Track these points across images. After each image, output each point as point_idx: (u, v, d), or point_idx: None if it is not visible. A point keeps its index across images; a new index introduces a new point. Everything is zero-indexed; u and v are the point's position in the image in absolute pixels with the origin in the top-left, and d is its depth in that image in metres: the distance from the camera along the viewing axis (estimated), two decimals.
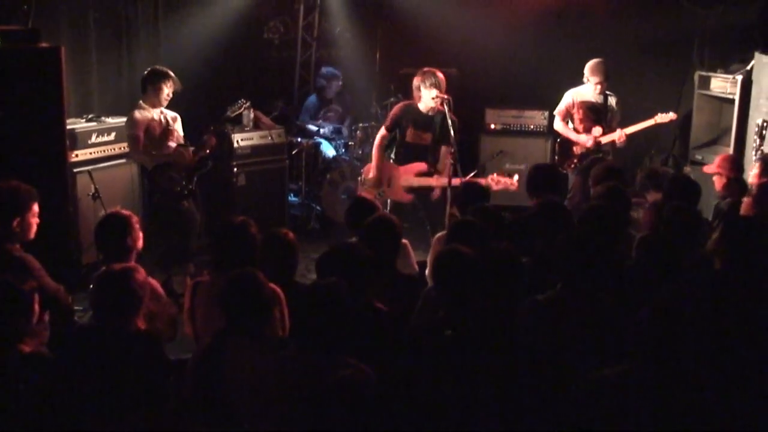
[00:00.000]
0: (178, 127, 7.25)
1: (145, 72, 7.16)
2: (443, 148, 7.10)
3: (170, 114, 7.22)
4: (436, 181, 7.18)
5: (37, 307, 3.80)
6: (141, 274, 4.03)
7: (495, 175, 7.11)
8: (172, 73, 7.08)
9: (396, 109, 7.49)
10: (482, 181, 7.01)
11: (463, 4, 9.68)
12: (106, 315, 3.92)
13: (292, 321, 3.60)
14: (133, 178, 7.57)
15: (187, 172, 6.98)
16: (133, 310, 3.92)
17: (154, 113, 7.07)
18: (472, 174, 7.18)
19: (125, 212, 4.89)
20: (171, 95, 7.10)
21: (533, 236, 4.94)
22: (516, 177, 7.00)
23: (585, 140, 7.94)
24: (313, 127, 9.55)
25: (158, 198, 7.07)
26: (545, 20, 9.76)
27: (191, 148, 7.08)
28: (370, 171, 7.49)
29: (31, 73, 5.92)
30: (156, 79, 7.03)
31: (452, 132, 6.89)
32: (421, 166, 7.33)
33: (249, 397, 3.61)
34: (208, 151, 7.14)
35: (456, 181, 6.83)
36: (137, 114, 7.02)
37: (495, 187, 6.98)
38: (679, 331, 3.22)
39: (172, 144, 7.12)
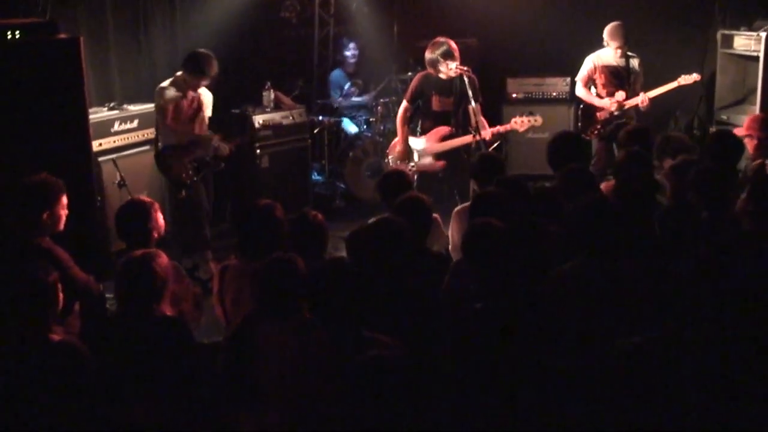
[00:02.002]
0: (207, 108, 7.25)
1: (195, 52, 7.06)
2: (470, 107, 7.06)
3: (205, 95, 7.21)
4: (463, 141, 7.17)
5: (61, 296, 3.83)
6: (163, 258, 4.05)
7: (516, 117, 7.11)
8: (215, 60, 7.02)
9: (416, 80, 7.47)
10: (507, 126, 7.03)
11: None
12: (130, 302, 3.96)
13: (318, 300, 3.61)
14: None
15: (197, 163, 7.00)
16: (156, 295, 3.95)
17: (188, 94, 7.07)
18: (494, 145, 7.16)
19: (145, 198, 4.92)
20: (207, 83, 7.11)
21: (560, 205, 4.90)
22: (538, 116, 7.00)
23: (608, 105, 7.87)
24: (348, 100, 9.54)
25: (168, 182, 7.11)
26: None
27: (215, 137, 7.09)
28: (397, 146, 7.48)
29: (52, 65, 5.93)
30: (202, 65, 6.95)
31: (469, 91, 6.90)
32: (444, 129, 7.31)
33: (280, 379, 3.63)
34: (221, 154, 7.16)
35: (486, 134, 6.83)
36: (170, 90, 6.99)
37: (520, 129, 6.99)
38: (705, 297, 3.20)
39: (194, 127, 7.13)
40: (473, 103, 7.00)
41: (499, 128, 7.18)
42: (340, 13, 10.32)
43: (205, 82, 7.08)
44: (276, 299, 3.79)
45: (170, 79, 7.07)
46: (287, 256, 3.92)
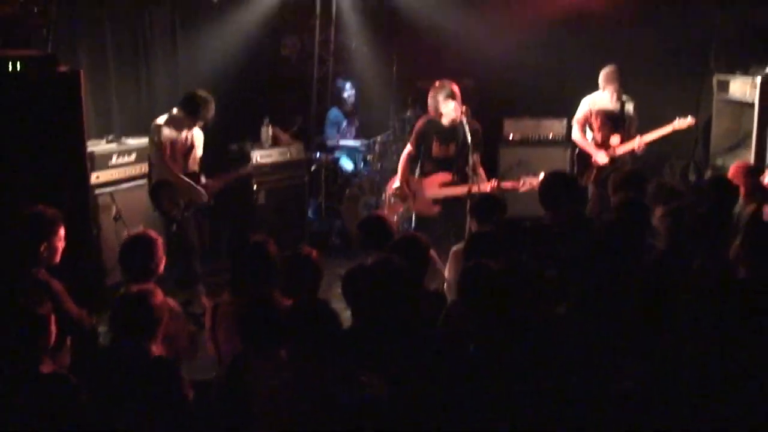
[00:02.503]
0: (198, 146, 7.29)
1: (194, 93, 7.13)
2: (475, 156, 7.10)
3: (197, 134, 7.25)
4: (461, 190, 7.18)
5: (54, 328, 3.83)
6: (159, 295, 4.05)
7: (521, 177, 7.12)
8: (213, 103, 7.09)
9: (419, 124, 7.52)
10: (508, 184, 7.02)
11: (477, 16, 9.68)
12: (123, 337, 3.95)
13: (302, 338, 3.60)
14: None
15: (188, 200, 7.04)
16: (150, 332, 3.94)
17: (182, 133, 7.11)
18: (497, 182, 7.18)
19: (153, 234, 4.91)
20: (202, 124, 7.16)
21: (556, 248, 4.90)
22: (542, 175, 6.99)
23: (601, 158, 7.88)
24: (341, 138, 9.59)
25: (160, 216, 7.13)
26: (560, 28, 9.73)
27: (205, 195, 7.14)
28: (395, 186, 7.51)
29: (51, 98, 5.96)
30: (199, 108, 7.02)
31: (470, 140, 6.89)
32: (445, 176, 7.34)
33: (269, 419, 3.61)
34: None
35: (481, 188, 6.84)
36: (166, 129, 7.03)
37: (521, 189, 6.99)
38: (703, 339, 3.20)
39: (187, 165, 7.16)
40: (473, 153, 7.01)
41: (499, 184, 7.15)
42: (340, 52, 10.43)
43: (200, 124, 7.12)
44: (256, 339, 3.80)
45: (166, 116, 7.11)
46: (264, 295, 3.92)
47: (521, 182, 7.06)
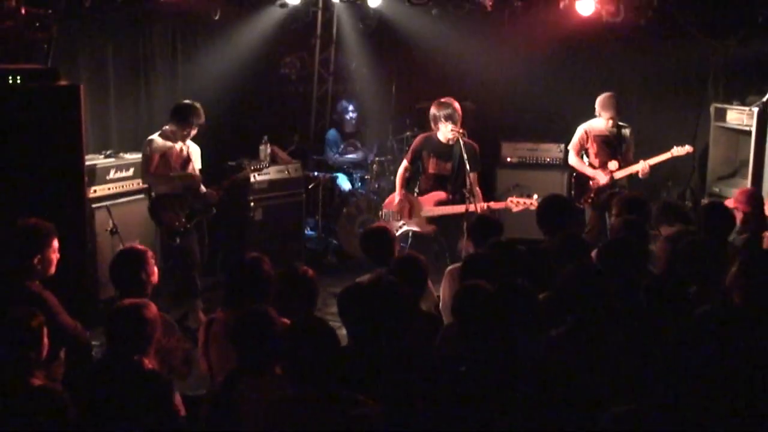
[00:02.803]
0: (195, 160, 7.30)
1: (179, 103, 7.21)
2: (472, 175, 7.11)
3: (193, 147, 7.28)
4: (457, 209, 7.19)
5: (46, 341, 3.82)
6: (152, 309, 4.04)
7: (514, 197, 7.13)
8: (201, 110, 7.13)
9: (416, 141, 7.58)
10: (501, 204, 7.03)
11: (477, 39, 9.72)
12: (116, 350, 3.94)
13: (295, 358, 3.58)
14: None
15: (189, 210, 7.03)
16: (142, 345, 3.93)
17: (177, 144, 7.13)
18: (489, 203, 7.18)
19: (140, 247, 4.91)
20: (195, 133, 7.18)
21: (552, 270, 4.90)
22: (536, 196, 6.99)
23: (600, 177, 7.92)
24: (343, 157, 9.62)
25: (160, 231, 7.12)
26: (560, 53, 9.79)
27: (198, 177, 7.17)
28: (392, 202, 7.54)
29: (51, 111, 5.98)
30: (187, 115, 7.07)
31: (467, 160, 6.91)
32: (441, 195, 7.37)
33: None
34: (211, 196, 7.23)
35: (475, 208, 6.85)
36: (158, 140, 7.07)
37: (515, 209, 7.01)
38: (693, 368, 3.20)
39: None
40: (471, 172, 7.02)
41: (493, 204, 7.17)
42: (339, 72, 10.47)
43: (192, 132, 7.15)
44: (250, 355, 3.79)
45: (159, 132, 7.15)
46: (260, 309, 3.91)
47: (515, 202, 7.06)
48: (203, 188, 7.21)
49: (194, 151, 7.29)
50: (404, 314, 4.17)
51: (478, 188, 7.23)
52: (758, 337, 4.00)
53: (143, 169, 7.14)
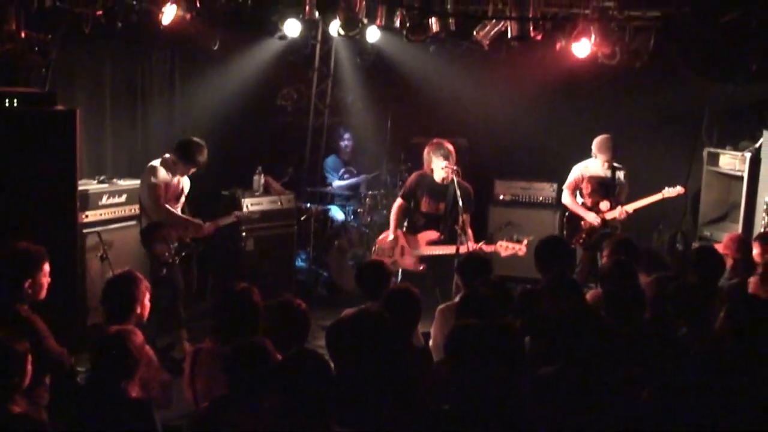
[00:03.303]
0: (185, 192, 7.32)
1: (187, 140, 7.22)
2: (465, 216, 7.12)
3: (185, 180, 7.29)
4: (447, 249, 7.20)
5: (30, 367, 3.78)
6: (138, 337, 4.03)
7: (503, 241, 7.14)
8: (206, 148, 7.15)
9: (411, 178, 7.60)
10: (490, 248, 7.04)
11: (474, 77, 9.80)
12: (101, 376, 3.92)
13: (290, 390, 3.55)
14: None
15: (178, 244, 7.03)
16: (128, 372, 3.91)
17: (175, 177, 7.14)
18: (480, 244, 7.18)
19: (138, 275, 4.89)
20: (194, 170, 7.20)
21: (543, 310, 4.89)
22: (525, 242, 7.01)
23: (593, 218, 7.97)
24: (345, 181, 9.67)
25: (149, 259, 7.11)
26: (555, 93, 9.85)
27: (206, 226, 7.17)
28: (386, 239, 7.54)
29: (47, 135, 6.00)
30: (193, 154, 7.08)
31: (460, 201, 6.93)
32: (433, 234, 7.38)
33: None
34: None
35: (465, 249, 6.86)
36: (161, 169, 7.07)
37: (503, 254, 7.01)
38: (681, 410, 3.19)
39: (176, 209, 7.18)
40: (464, 213, 7.04)
41: (483, 246, 7.16)
42: (336, 105, 10.51)
43: (192, 170, 7.17)
44: (243, 384, 3.75)
45: (160, 159, 7.14)
46: (258, 341, 3.89)
47: (504, 247, 7.07)
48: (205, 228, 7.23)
49: (186, 184, 7.31)
50: (392, 348, 4.16)
51: (469, 229, 7.24)
52: (747, 379, 4.01)
53: (153, 200, 7.06)
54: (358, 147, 10.15)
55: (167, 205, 7.08)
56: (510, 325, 4.08)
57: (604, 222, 7.94)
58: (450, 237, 7.31)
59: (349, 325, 4.17)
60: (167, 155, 7.16)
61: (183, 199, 7.29)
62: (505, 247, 7.06)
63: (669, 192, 7.86)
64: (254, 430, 3.59)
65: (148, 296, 4.80)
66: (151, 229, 7.03)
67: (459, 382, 3.83)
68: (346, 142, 9.97)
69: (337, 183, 9.73)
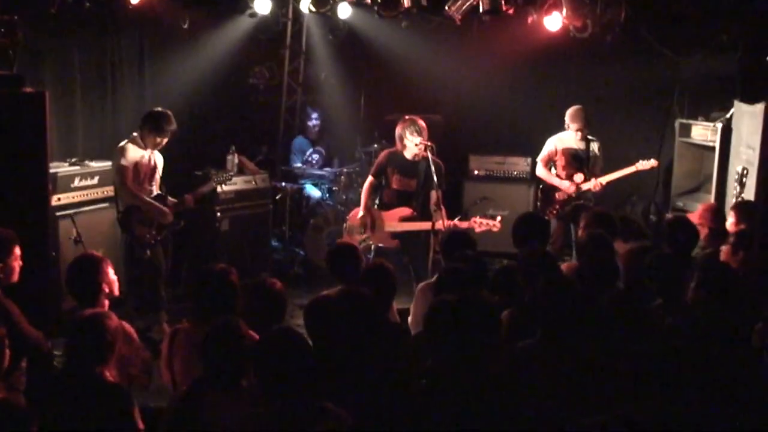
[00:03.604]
0: (159, 168, 7.25)
1: (152, 111, 7.15)
2: (432, 193, 7.13)
3: (157, 156, 7.22)
4: (421, 226, 7.20)
5: (7, 351, 3.75)
6: (113, 319, 4.00)
7: (477, 217, 7.16)
8: (173, 117, 7.09)
9: (381, 156, 7.56)
10: (464, 224, 7.04)
11: (446, 53, 9.78)
12: (76, 361, 3.89)
13: (268, 369, 3.54)
14: (116, 223, 7.52)
15: (158, 223, 7.00)
16: (103, 356, 3.88)
17: (145, 153, 7.07)
18: (456, 219, 7.19)
19: (96, 253, 4.85)
20: (166, 141, 7.13)
21: (519, 285, 4.92)
22: (499, 218, 7.05)
23: (567, 186, 8.01)
24: (307, 166, 9.60)
25: (128, 241, 7.05)
26: (528, 67, 9.87)
27: (170, 205, 7.11)
28: (356, 216, 7.51)
29: (15, 118, 5.92)
30: (161, 123, 7.01)
31: (435, 176, 6.93)
32: (406, 211, 7.36)
33: None
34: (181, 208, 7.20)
35: (440, 225, 6.85)
36: (130, 148, 7.00)
37: (478, 230, 7.02)
38: (658, 380, 3.23)
39: (152, 187, 7.12)
40: (437, 189, 7.02)
41: (456, 223, 7.15)
42: (308, 82, 10.46)
43: (164, 140, 7.09)
44: (217, 366, 3.75)
45: (128, 139, 7.08)
46: (231, 322, 3.88)
47: (478, 223, 7.08)
48: (170, 200, 7.16)
49: (159, 161, 7.24)
50: (372, 327, 4.17)
51: (442, 206, 7.22)
52: (718, 348, 4.06)
53: (119, 181, 7.02)
54: (328, 126, 10.11)
55: (143, 186, 7.03)
56: (487, 298, 4.09)
57: (578, 191, 7.97)
58: (422, 213, 7.31)
59: (329, 304, 4.17)
60: (134, 133, 7.10)
61: (158, 176, 7.23)
62: (479, 223, 7.07)
63: (642, 165, 7.91)
64: (235, 411, 3.59)
65: (111, 272, 4.74)
66: (127, 213, 6.99)
67: (437, 356, 3.86)
68: (314, 121, 9.93)
69: (301, 167, 9.67)
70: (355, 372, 3.91)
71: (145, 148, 7.06)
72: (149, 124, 7.04)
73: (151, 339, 6.61)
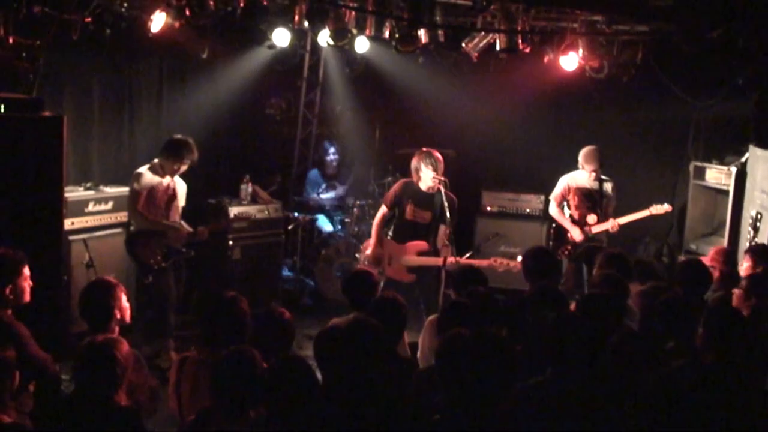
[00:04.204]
0: (181, 197, 7.28)
1: (174, 137, 7.20)
2: (441, 228, 7.12)
3: (179, 184, 7.25)
4: (436, 261, 7.16)
5: (17, 373, 3.75)
6: (124, 346, 3.98)
7: (498, 258, 7.12)
8: (194, 146, 7.12)
9: (396, 186, 7.53)
10: (485, 262, 7.00)
11: (462, 89, 9.83)
12: (87, 387, 3.87)
13: (276, 398, 3.52)
14: None
15: (167, 249, 7.00)
16: (115, 383, 3.87)
17: (164, 180, 7.10)
18: (467, 255, 7.17)
19: (111, 279, 4.85)
20: (185, 169, 7.16)
21: (528, 321, 4.89)
22: (519, 258, 7.00)
23: (577, 234, 7.98)
24: (319, 197, 9.62)
25: (135, 266, 7.07)
26: (543, 106, 9.90)
27: (187, 230, 7.12)
28: (369, 248, 7.49)
29: (33, 141, 5.97)
30: (181, 150, 7.05)
31: (448, 213, 6.92)
32: (423, 245, 7.31)
33: None
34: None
35: (451, 261, 6.82)
36: (146, 174, 7.03)
37: (499, 269, 6.98)
38: (663, 424, 3.19)
39: (170, 213, 7.14)
40: (450, 224, 6.99)
41: (476, 262, 7.09)
42: (324, 115, 10.52)
43: (183, 167, 7.12)
44: (230, 395, 3.73)
45: (147, 165, 7.11)
46: (244, 351, 3.86)
47: (498, 262, 7.05)
48: (187, 228, 7.18)
49: (180, 188, 7.27)
50: (381, 359, 4.14)
51: (449, 242, 7.18)
52: (726, 394, 4.02)
53: (131, 205, 7.07)
54: (344, 159, 10.14)
55: (159, 212, 7.05)
56: (490, 333, 4.06)
57: (589, 236, 7.95)
58: (433, 248, 7.30)
59: (339, 335, 4.16)
60: (156, 160, 7.14)
61: (179, 203, 7.25)
62: (499, 263, 7.04)
63: (656, 209, 7.88)
64: None
65: (124, 298, 4.74)
66: (132, 236, 7.01)
67: (448, 391, 3.82)
68: (331, 156, 9.90)
69: (315, 198, 9.69)
70: (364, 402, 3.88)
71: (163, 174, 7.08)
72: (169, 150, 7.08)
73: (158, 367, 6.60)
